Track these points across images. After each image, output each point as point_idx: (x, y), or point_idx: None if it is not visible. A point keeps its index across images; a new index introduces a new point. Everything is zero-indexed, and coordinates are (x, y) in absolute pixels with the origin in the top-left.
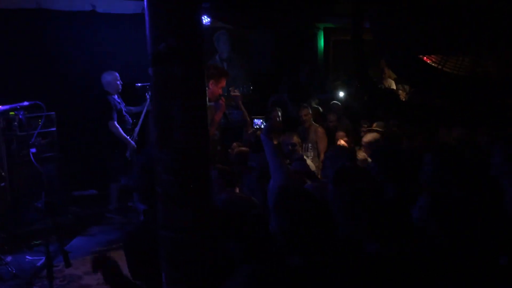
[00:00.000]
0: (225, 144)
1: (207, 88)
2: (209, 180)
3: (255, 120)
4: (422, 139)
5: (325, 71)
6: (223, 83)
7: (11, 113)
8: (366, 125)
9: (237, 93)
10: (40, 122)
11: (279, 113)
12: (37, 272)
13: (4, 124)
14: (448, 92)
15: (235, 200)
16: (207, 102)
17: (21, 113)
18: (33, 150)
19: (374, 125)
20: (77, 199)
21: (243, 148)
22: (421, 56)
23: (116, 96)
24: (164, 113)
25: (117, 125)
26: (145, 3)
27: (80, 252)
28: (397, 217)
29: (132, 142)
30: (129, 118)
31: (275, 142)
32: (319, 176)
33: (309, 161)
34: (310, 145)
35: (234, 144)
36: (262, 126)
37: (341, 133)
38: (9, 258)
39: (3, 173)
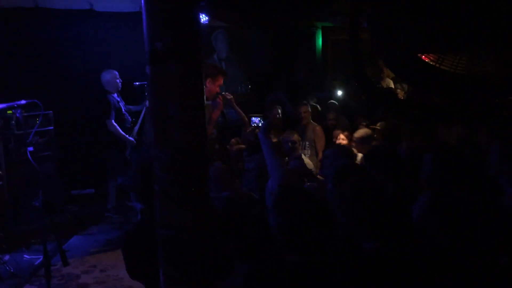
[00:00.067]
0: (223, 143)
1: (204, 87)
2: (208, 178)
3: (253, 118)
4: (422, 138)
5: (323, 70)
6: (221, 81)
7: (9, 112)
8: (365, 123)
9: (230, 96)
10: (37, 121)
11: (279, 111)
12: (35, 271)
13: (1, 123)
14: (446, 91)
15: (235, 198)
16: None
17: (19, 111)
18: (31, 148)
19: (378, 124)
20: (75, 198)
21: (242, 146)
22: (419, 54)
23: (115, 95)
24: (162, 111)
25: (114, 123)
26: (143, 1)
27: (78, 251)
28: (396, 216)
29: (132, 140)
30: (129, 117)
31: (275, 140)
32: (317, 176)
33: (306, 159)
34: (307, 143)
35: (233, 140)
36: (260, 125)
37: (338, 132)
38: (7, 257)
39: (0, 172)
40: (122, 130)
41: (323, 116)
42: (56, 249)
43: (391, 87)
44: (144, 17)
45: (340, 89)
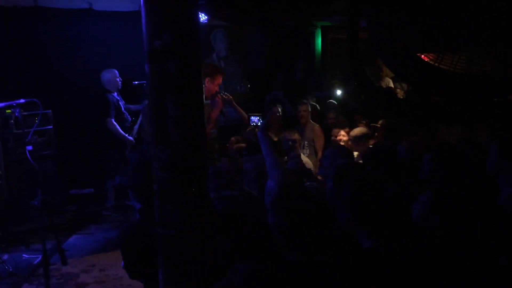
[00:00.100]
0: (223, 142)
1: (203, 86)
2: (206, 177)
3: (252, 118)
4: (422, 137)
5: (323, 69)
6: (219, 80)
7: (8, 111)
8: (364, 121)
9: (229, 96)
10: (36, 120)
11: (279, 109)
12: (34, 270)
13: (0, 122)
14: (445, 90)
15: (235, 198)
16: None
17: (18, 110)
18: (30, 148)
19: (379, 122)
20: (74, 197)
21: (242, 145)
22: (418, 54)
23: (115, 94)
24: (161, 111)
25: (114, 122)
26: (142, 0)
27: (77, 251)
28: (396, 216)
29: (131, 139)
30: (128, 116)
31: (276, 139)
32: (317, 176)
33: (306, 159)
34: (306, 142)
35: (232, 138)
36: (259, 124)
37: (337, 130)
38: (6, 256)
39: None
40: (122, 129)
41: (322, 115)
42: (55, 248)
43: (391, 87)
44: (143, 16)
45: (339, 88)
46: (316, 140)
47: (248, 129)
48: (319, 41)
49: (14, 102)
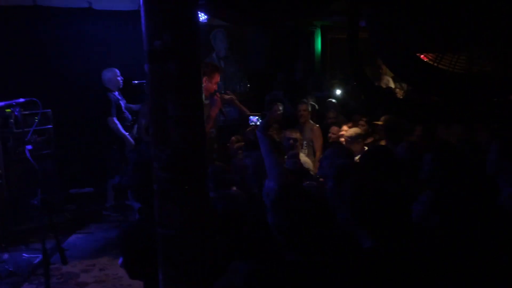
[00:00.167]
0: (223, 142)
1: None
2: (206, 177)
3: (251, 118)
4: (421, 137)
5: (322, 69)
6: (217, 78)
7: (7, 110)
8: (364, 119)
9: (231, 95)
10: (36, 119)
11: (280, 108)
12: (34, 269)
13: (0, 121)
14: (444, 90)
15: (235, 198)
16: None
17: (17, 110)
18: (29, 147)
19: (381, 119)
20: (74, 197)
21: (243, 144)
22: (418, 54)
23: (117, 93)
24: (161, 110)
25: (116, 121)
26: (141, 0)
27: (77, 250)
28: (396, 216)
29: (131, 139)
30: (129, 115)
31: (277, 138)
32: (316, 176)
33: (305, 158)
34: (305, 142)
35: (233, 138)
36: (258, 123)
37: (335, 128)
38: (6, 256)
39: None
40: (123, 128)
41: (321, 115)
42: (55, 247)
43: (391, 87)
44: (142, 16)
45: (339, 88)
46: (314, 140)
47: (248, 129)
48: (319, 41)
49: (13, 101)
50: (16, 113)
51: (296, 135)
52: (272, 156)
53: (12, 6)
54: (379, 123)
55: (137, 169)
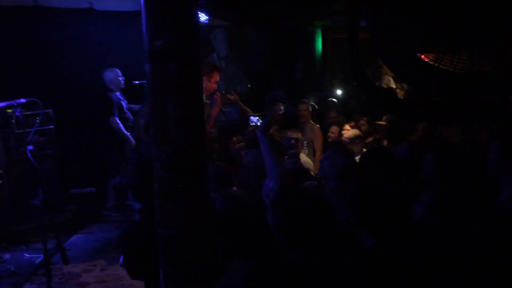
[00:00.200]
0: (223, 142)
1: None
2: (206, 177)
3: (251, 118)
4: (422, 137)
5: (323, 69)
6: (217, 77)
7: (9, 110)
8: (365, 118)
9: (234, 96)
10: (37, 119)
11: (282, 108)
12: (35, 269)
13: (1, 122)
14: (444, 90)
15: (235, 198)
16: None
17: (19, 110)
18: (31, 147)
19: (384, 118)
20: (75, 197)
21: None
22: (418, 54)
23: (118, 93)
24: (161, 110)
25: (118, 121)
26: (142, 0)
27: (78, 250)
28: (396, 215)
29: (132, 139)
30: (131, 116)
31: (278, 138)
32: (317, 176)
33: (306, 158)
34: (305, 142)
35: (234, 138)
36: (259, 124)
37: (335, 128)
38: (7, 256)
39: (0, 171)
40: (124, 129)
41: (322, 115)
42: (56, 247)
43: (391, 87)
44: (143, 16)
45: (339, 88)
46: (315, 140)
47: (248, 129)
48: (319, 41)
49: (15, 102)
50: (17, 114)
51: (297, 135)
52: (273, 156)
53: (13, 7)
54: (381, 123)
55: (137, 169)
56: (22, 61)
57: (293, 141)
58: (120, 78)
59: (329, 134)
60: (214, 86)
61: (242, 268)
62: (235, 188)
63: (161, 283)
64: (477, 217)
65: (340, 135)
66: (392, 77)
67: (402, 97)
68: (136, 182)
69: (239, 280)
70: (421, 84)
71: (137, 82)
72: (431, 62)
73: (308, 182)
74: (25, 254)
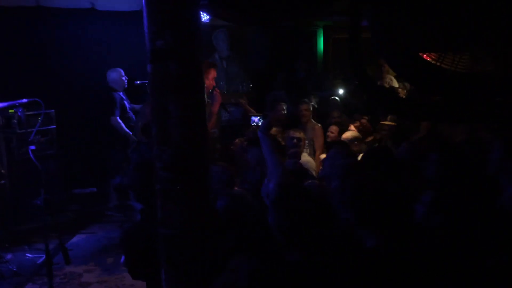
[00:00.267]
0: (225, 142)
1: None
2: (208, 177)
3: (253, 118)
4: (423, 137)
5: (325, 69)
6: (214, 74)
7: (10, 110)
8: (366, 117)
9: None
10: (39, 119)
11: (284, 107)
12: (37, 269)
13: (3, 122)
14: (446, 89)
15: (236, 198)
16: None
17: (20, 110)
18: (33, 147)
19: (388, 118)
20: (77, 197)
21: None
22: (420, 53)
23: (121, 93)
24: (162, 110)
25: (119, 120)
26: (143, 0)
27: (80, 250)
28: (398, 215)
29: (134, 138)
30: (133, 116)
31: (281, 140)
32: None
33: (308, 157)
34: (307, 142)
35: (237, 140)
36: (260, 124)
37: (334, 128)
38: (9, 256)
39: (2, 171)
40: (126, 128)
41: (323, 114)
42: (58, 248)
43: (393, 86)
44: (145, 16)
45: (341, 87)
46: (315, 140)
47: (249, 130)
48: (321, 40)
49: (16, 102)
50: (19, 114)
51: (300, 134)
52: (274, 157)
53: (15, 7)
54: (387, 123)
55: (137, 169)
56: (24, 61)
57: (295, 141)
58: (124, 78)
59: (328, 133)
60: (212, 83)
61: (242, 266)
62: (236, 188)
63: (162, 283)
64: (479, 217)
65: (340, 135)
66: (394, 77)
67: (404, 97)
68: (137, 182)
69: (240, 279)
70: (423, 83)
71: (138, 82)
72: (433, 62)
73: (310, 181)
74: (27, 254)
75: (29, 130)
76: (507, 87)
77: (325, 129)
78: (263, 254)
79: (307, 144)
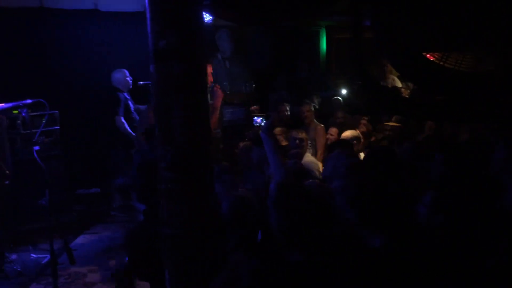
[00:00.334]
0: (227, 142)
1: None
2: (211, 177)
3: (255, 118)
4: (426, 137)
5: (327, 69)
6: (210, 69)
7: (15, 111)
8: (366, 118)
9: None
10: (43, 120)
11: (287, 108)
12: (41, 270)
13: (7, 123)
14: (449, 89)
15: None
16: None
17: (25, 111)
18: (37, 148)
19: (393, 118)
20: (81, 197)
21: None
22: (423, 53)
23: (126, 94)
24: (165, 110)
25: (123, 120)
26: (146, 1)
27: (84, 250)
28: (400, 215)
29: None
30: (137, 116)
31: (284, 142)
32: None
33: (312, 157)
34: (309, 142)
35: (241, 143)
36: (262, 124)
37: (334, 130)
38: (13, 256)
39: (7, 171)
40: (130, 129)
41: (325, 114)
42: (63, 248)
43: (396, 86)
44: (148, 16)
45: (344, 88)
46: (317, 140)
47: (250, 131)
48: (323, 40)
49: (21, 103)
50: (23, 114)
51: (302, 135)
52: (276, 158)
53: (18, 8)
54: (390, 124)
55: (138, 169)
56: (27, 62)
57: (297, 141)
58: (128, 79)
59: (328, 136)
60: (210, 78)
61: (242, 263)
62: (240, 189)
63: (166, 283)
64: (479, 217)
65: (339, 137)
66: (397, 77)
67: (405, 97)
68: (139, 183)
69: (240, 279)
70: (426, 83)
71: (141, 83)
72: (436, 61)
73: (310, 180)
74: (32, 255)
75: (33, 130)
76: (508, 87)
77: (327, 129)
78: (264, 254)
79: (309, 145)
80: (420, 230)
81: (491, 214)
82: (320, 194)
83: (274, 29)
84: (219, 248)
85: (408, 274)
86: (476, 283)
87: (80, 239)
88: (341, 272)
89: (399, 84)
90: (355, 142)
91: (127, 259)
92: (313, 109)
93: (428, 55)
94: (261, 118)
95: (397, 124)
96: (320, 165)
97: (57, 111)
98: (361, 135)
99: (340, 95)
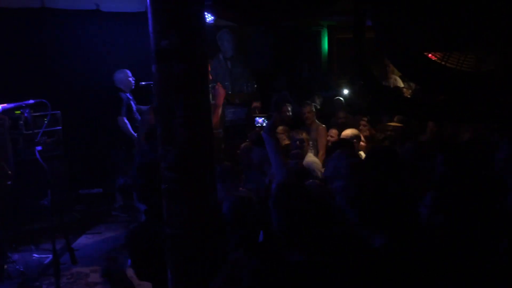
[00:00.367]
0: (229, 142)
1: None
2: (213, 177)
3: (257, 119)
4: (427, 137)
5: (329, 69)
6: (208, 67)
7: (17, 112)
8: (366, 118)
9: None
10: (45, 120)
11: (289, 108)
12: (44, 270)
13: (10, 123)
14: (451, 89)
15: (240, 198)
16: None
17: (27, 111)
18: (39, 148)
19: (395, 118)
20: (83, 198)
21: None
22: (425, 53)
23: (128, 94)
24: (167, 110)
25: (126, 120)
26: (148, 1)
27: (86, 250)
28: (401, 215)
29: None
30: (139, 116)
31: (286, 141)
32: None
33: (314, 158)
34: (311, 142)
35: (243, 145)
36: (264, 125)
37: (334, 131)
38: (16, 256)
39: (9, 172)
40: (132, 129)
41: (327, 114)
42: (65, 248)
43: (398, 86)
44: (149, 16)
45: (346, 87)
46: (318, 140)
47: (253, 132)
48: (325, 40)
49: (23, 103)
50: (25, 115)
51: (303, 135)
52: (278, 158)
53: (20, 9)
54: (392, 124)
55: (140, 170)
56: (29, 63)
57: (298, 142)
58: (130, 79)
59: (328, 138)
60: (209, 76)
61: (243, 263)
62: (241, 189)
63: (169, 283)
64: (480, 217)
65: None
66: (400, 76)
67: (407, 97)
68: (140, 183)
69: (241, 279)
70: (428, 83)
71: (143, 83)
72: (438, 61)
73: (311, 180)
74: (34, 255)
75: (35, 131)
76: (509, 87)
77: (329, 129)
78: (264, 254)
79: (311, 145)
80: (421, 230)
81: (491, 214)
82: (320, 194)
83: (275, 29)
84: (219, 248)
85: (408, 274)
86: (476, 283)
87: (82, 239)
88: (341, 272)
89: (401, 84)
90: (355, 140)
91: (129, 260)
92: (314, 110)
93: (429, 54)
94: (263, 119)
95: (399, 124)
96: (320, 165)
97: (59, 112)
98: (360, 134)
99: (342, 95)
